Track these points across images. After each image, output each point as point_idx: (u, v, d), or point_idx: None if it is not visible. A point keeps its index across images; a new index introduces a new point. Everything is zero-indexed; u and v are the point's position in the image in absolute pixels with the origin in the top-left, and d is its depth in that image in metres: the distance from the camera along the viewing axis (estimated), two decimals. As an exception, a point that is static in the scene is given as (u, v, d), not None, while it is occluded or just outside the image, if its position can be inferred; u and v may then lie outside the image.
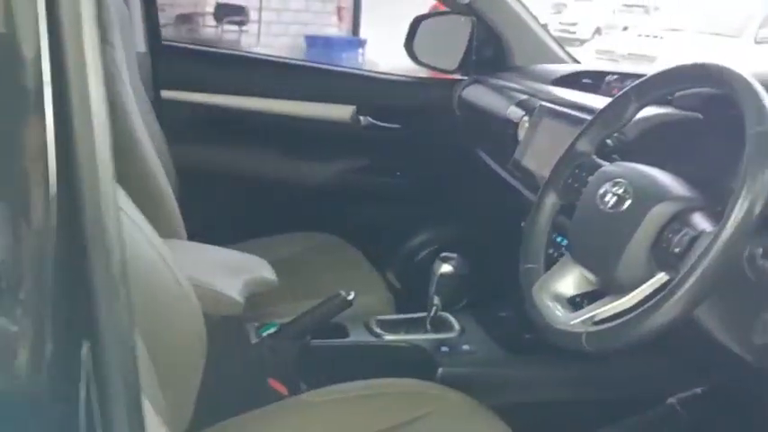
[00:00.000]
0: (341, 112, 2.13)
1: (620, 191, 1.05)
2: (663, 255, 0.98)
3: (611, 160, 1.22)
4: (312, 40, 10.91)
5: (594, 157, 1.21)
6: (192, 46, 2.31)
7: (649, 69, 1.61)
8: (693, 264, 0.89)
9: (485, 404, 1.30)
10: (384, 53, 10.47)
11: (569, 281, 1.14)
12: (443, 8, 2.25)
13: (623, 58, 9.39)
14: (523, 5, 2.04)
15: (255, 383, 1.35)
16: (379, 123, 2.14)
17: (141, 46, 1.96)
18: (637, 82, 1.16)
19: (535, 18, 2.05)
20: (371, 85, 2.22)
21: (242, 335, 1.44)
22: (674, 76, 1.10)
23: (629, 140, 1.26)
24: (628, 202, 1.03)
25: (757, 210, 0.88)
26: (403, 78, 2.25)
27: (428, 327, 1.57)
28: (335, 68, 2.21)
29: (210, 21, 10.38)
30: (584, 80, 1.69)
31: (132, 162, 1.36)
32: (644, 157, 1.25)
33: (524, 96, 1.73)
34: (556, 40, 2.06)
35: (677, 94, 1.27)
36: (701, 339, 1.05)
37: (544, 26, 2.07)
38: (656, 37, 10.09)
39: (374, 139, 2.16)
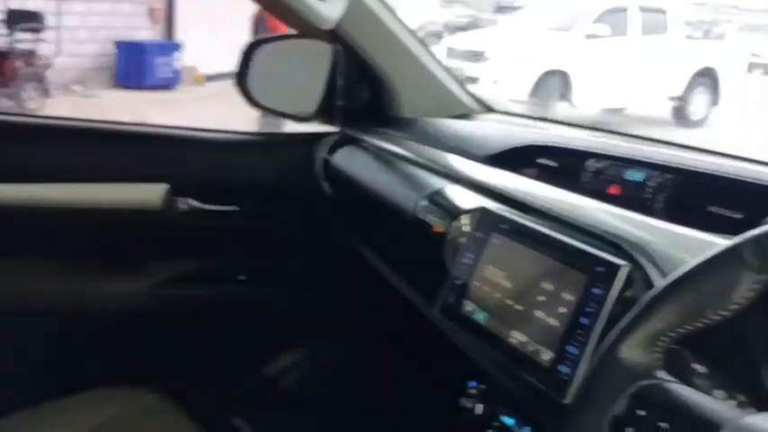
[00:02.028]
0: (147, 193, 1.38)
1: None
2: None
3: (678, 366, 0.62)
4: (123, 46, 9.97)
5: (664, 375, 0.59)
6: None
7: (653, 143, 1.03)
8: None
9: None
10: (205, 58, 9.73)
11: None
12: (282, 28, 1.55)
13: (462, 54, 9.15)
14: (409, 30, 1.40)
15: None
16: (205, 207, 1.42)
17: None
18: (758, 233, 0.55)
19: (426, 47, 1.42)
20: (190, 150, 1.48)
21: None
22: None
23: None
24: None
25: None
26: (238, 137, 1.54)
27: None
28: (134, 129, 1.44)
29: (1, 29, 9.07)
30: (542, 161, 1.06)
31: None
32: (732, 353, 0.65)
33: (441, 182, 1.09)
34: (456, 78, 1.44)
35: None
36: None
37: (439, 62, 1.44)
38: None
39: (199, 230, 1.44)
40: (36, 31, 9.03)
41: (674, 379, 0.59)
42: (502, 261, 0.89)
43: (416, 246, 1.06)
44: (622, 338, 0.60)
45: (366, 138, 1.38)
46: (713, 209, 0.83)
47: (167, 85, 9.74)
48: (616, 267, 0.74)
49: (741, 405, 0.62)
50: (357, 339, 1.49)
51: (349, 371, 1.50)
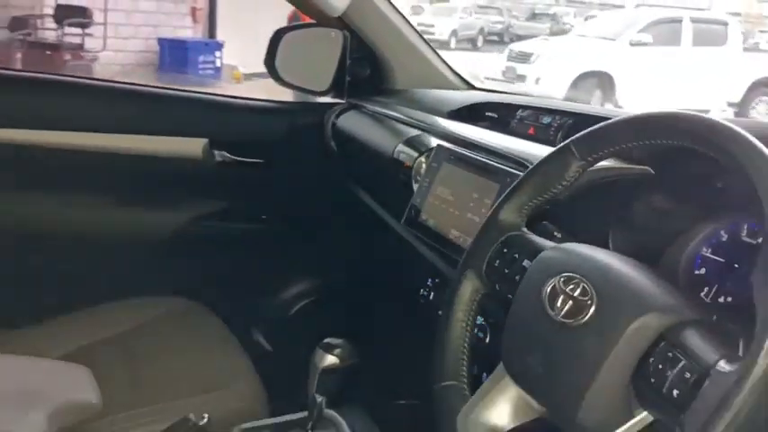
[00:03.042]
0: (190, 146, 1.74)
1: (577, 292, 0.75)
2: (648, 391, 0.69)
3: (543, 232, 0.93)
4: (166, 43, 10.34)
5: (525, 230, 0.91)
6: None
7: (569, 102, 1.35)
8: (706, 422, 0.61)
9: None
10: (245, 58, 10.12)
11: (506, 407, 0.83)
12: (307, 19, 1.90)
13: (516, 56, 9.93)
14: (405, 19, 1.73)
15: None
16: (237, 158, 1.77)
17: None
18: (586, 132, 0.87)
19: (419, 33, 1.75)
20: (227, 113, 1.83)
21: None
22: (639, 127, 0.81)
23: (562, 202, 0.97)
24: (590, 311, 0.74)
25: None
26: (265, 104, 1.88)
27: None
28: (181, 94, 1.81)
29: (50, 23, 9.54)
30: (488, 113, 1.40)
31: None
32: (582, 224, 0.97)
33: (415, 132, 1.43)
34: (443, 59, 1.77)
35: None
36: None
37: (430, 46, 1.77)
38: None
39: (232, 177, 1.79)
40: (83, 26, 9.48)
41: (531, 233, 0.91)
42: (448, 182, 1.22)
43: (393, 180, 1.39)
44: (500, 207, 0.93)
45: (366, 105, 1.71)
46: None
47: (207, 81, 10.08)
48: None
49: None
50: (354, 263, 1.82)
51: (348, 286, 1.83)
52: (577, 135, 0.88)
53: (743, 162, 0.68)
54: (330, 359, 1.19)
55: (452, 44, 16.83)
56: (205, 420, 1.05)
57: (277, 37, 1.85)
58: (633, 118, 0.81)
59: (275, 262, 1.83)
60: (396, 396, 1.41)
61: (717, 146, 0.72)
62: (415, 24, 1.78)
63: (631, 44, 9.79)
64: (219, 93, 1.91)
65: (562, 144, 0.89)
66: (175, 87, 1.88)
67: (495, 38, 18.84)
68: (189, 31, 11.17)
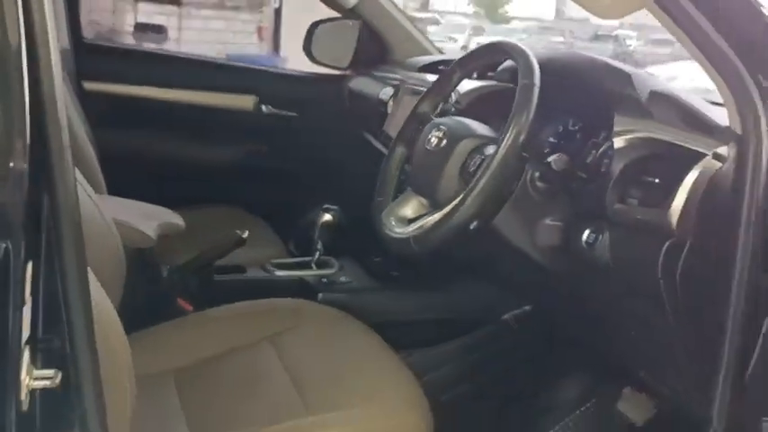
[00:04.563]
0: (245, 101, 2.45)
1: (440, 134, 1.41)
2: (467, 175, 1.33)
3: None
4: (234, 59, 11.13)
5: (433, 116, 1.56)
6: (110, 44, 2.59)
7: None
8: (479, 176, 1.25)
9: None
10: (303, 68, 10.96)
11: (409, 207, 1.48)
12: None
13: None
14: (398, 8, 2.41)
15: (166, 304, 1.64)
16: (278, 112, 2.47)
17: (65, 42, 2.24)
18: (464, 55, 1.53)
19: (409, 18, 2.43)
20: (272, 79, 2.56)
21: (156, 271, 1.74)
22: (479, 52, 1.47)
23: (462, 107, 1.62)
24: (444, 141, 1.39)
25: (521, 138, 1.24)
26: (298, 73, 2.59)
27: (313, 266, 1.89)
28: (240, 64, 2.53)
29: (129, 39, 10.52)
30: (441, 66, 2.06)
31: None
32: (473, 117, 1.62)
33: (396, 82, 2.09)
34: (426, 36, 2.44)
35: (499, 68, 1.65)
36: (510, 254, 1.41)
37: (415, 24, 2.45)
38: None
39: (274, 125, 2.48)
40: (159, 42, 10.42)
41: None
42: (406, 106, 1.87)
43: (381, 117, 2.05)
44: (419, 104, 1.58)
45: (372, 72, 2.39)
46: None
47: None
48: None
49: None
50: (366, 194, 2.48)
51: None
52: (456, 60, 1.53)
53: (516, 59, 1.33)
54: (327, 217, 1.85)
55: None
56: (246, 234, 1.72)
57: (312, 28, 2.55)
58: (478, 47, 1.47)
59: (302, 193, 2.50)
60: (372, 248, 2.05)
61: (511, 54, 1.36)
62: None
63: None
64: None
65: (450, 66, 1.54)
66: (236, 62, 2.61)
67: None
68: (255, 48, 11.98)
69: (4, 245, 0.78)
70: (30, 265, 0.83)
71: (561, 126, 1.40)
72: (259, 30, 12.07)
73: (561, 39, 20.28)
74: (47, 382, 0.84)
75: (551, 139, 1.40)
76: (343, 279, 1.86)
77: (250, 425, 1.26)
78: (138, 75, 2.37)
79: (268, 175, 2.46)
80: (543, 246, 1.39)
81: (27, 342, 0.83)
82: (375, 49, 2.44)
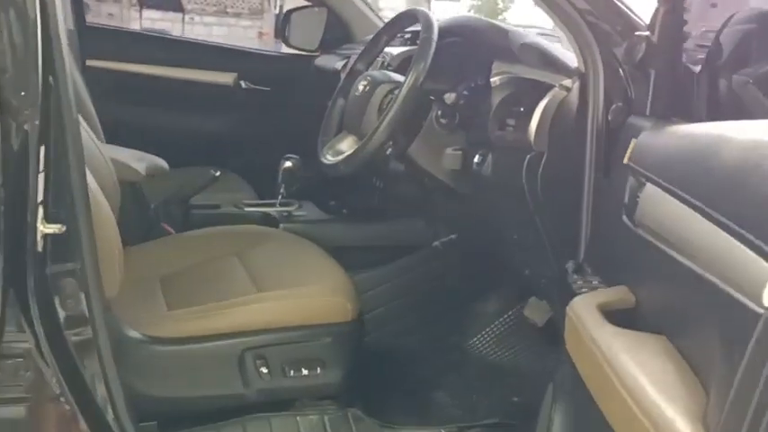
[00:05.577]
0: (226, 77, 2.84)
1: (365, 83, 1.78)
2: (382, 112, 1.70)
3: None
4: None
5: (366, 72, 1.93)
6: (111, 26, 2.97)
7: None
8: (387, 110, 1.62)
9: None
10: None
11: (344, 143, 1.85)
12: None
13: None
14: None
15: (153, 228, 2.02)
16: (254, 87, 2.85)
17: (69, 24, 2.61)
18: (389, 20, 1.91)
19: (367, 4, 2.80)
20: (250, 58, 2.95)
21: (146, 204, 2.11)
22: (397, 18, 1.85)
23: (394, 68, 1.99)
24: (368, 88, 1.76)
25: (420, 80, 1.61)
26: (273, 53, 2.98)
27: (277, 205, 2.25)
28: (223, 45, 2.91)
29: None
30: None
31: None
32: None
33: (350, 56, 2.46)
34: (380, 18, 2.81)
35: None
36: (428, 181, 1.77)
37: (371, 7, 2.83)
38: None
39: (251, 98, 2.86)
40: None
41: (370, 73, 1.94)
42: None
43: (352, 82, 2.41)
44: (355, 62, 1.95)
45: (334, 51, 2.76)
46: None
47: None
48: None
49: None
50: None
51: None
52: (384, 24, 1.90)
53: (420, 19, 1.70)
54: (287, 164, 2.22)
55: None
56: (218, 173, 2.09)
57: (287, 15, 2.93)
58: (398, 14, 1.84)
59: (275, 154, 2.86)
60: (327, 192, 2.41)
61: (417, 17, 1.73)
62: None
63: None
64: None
65: (379, 30, 1.92)
66: (217, 42, 2.99)
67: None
68: (256, 53, 12.38)
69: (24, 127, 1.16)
70: (42, 148, 1.20)
71: (457, 72, 1.77)
72: (260, 35, 12.54)
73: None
74: (55, 229, 1.20)
75: (448, 83, 1.77)
76: (301, 213, 2.23)
77: (209, 301, 1.63)
78: (134, 53, 2.75)
79: (246, 141, 2.83)
80: (448, 170, 1.75)
81: (40, 203, 1.20)
82: (340, 31, 2.81)
